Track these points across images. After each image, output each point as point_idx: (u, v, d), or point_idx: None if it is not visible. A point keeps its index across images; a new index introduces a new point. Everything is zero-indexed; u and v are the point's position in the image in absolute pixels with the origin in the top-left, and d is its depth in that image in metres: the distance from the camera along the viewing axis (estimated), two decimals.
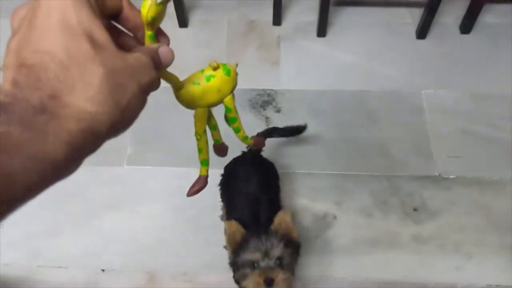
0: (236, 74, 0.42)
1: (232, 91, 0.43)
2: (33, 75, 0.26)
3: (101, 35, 0.29)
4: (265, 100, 1.67)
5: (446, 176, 1.50)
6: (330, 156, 1.55)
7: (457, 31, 1.83)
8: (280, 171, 1.47)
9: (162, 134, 1.60)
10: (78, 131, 0.27)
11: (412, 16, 1.86)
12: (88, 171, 1.29)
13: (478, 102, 1.64)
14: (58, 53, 0.27)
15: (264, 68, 1.75)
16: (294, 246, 1.05)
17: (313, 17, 1.84)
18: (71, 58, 0.27)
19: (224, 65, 0.41)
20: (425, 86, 1.69)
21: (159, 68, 0.34)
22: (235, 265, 1.04)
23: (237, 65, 0.43)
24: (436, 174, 1.50)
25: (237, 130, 0.48)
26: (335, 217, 1.44)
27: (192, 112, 0.44)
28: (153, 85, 0.33)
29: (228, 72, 0.41)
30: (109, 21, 0.35)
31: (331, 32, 1.82)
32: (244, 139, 0.50)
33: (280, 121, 1.62)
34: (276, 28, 1.85)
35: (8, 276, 1.34)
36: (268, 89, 1.69)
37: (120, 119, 0.29)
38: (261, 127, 1.60)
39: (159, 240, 1.38)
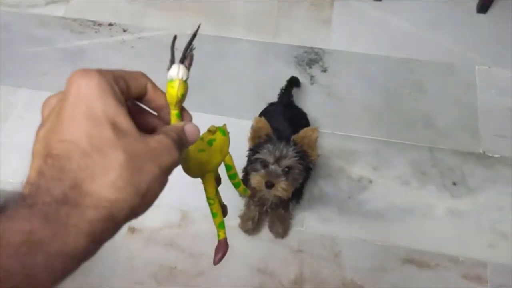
0: (228, 132, 0.44)
1: (228, 149, 0.44)
2: (57, 165, 0.27)
3: (124, 121, 0.29)
4: (312, 58, 1.64)
5: (490, 155, 1.46)
6: (372, 121, 1.52)
7: None
8: (320, 130, 1.46)
9: (205, 81, 1.60)
10: (98, 220, 0.27)
11: None
12: None
13: None
14: (81, 141, 0.27)
15: (314, 26, 1.72)
16: (307, 164, 1.07)
17: None
18: (93, 145, 0.27)
19: (219, 127, 0.43)
20: (480, 62, 1.62)
21: (184, 146, 0.34)
22: (249, 159, 1.08)
23: (225, 125, 0.44)
24: (480, 151, 1.46)
25: (237, 185, 0.50)
26: (370, 182, 1.43)
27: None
28: (175, 165, 0.32)
29: (223, 132, 0.43)
30: (134, 102, 0.35)
31: None
32: (244, 191, 0.53)
33: (325, 81, 1.59)
34: None
35: None
36: (316, 48, 1.66)
37: (140, 203, 0.29)
38: (305, 85, 1.59)
39: (196, 181, 1.38)
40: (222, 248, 0.47)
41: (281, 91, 1.44)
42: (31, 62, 1.68)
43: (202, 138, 0.42)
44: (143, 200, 0.29)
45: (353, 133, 1.50)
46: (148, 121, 0.37)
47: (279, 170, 1.02)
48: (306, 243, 1.32)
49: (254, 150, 1.07)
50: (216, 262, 0.47)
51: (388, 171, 1.44)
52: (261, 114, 1.33)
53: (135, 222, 1.34)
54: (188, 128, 0.35)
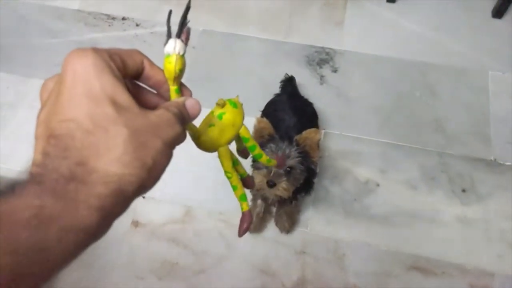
0: (241, 104, 0.43)
1: (243, 122, 0.43)
2: (61, 144, 0.27)
3: (124, 97, 0.29)
4: (322, 58, 1.62)
5: (501, 162, 1.42)
6: (381, 124, 1.50)
7: None
8: (327, 131, 1.45)
9: (214, 77, 1.60)
10: (107, 195, 0.27)
11: None
12: None
13: None
14: (83, 120, 0.28)
15: (326, 27, 1.70)
16: (308, 165, 1.08)
17: None
18: (95, 123, 0.28)
19: (229, 100, 0.42)
20: (493, 67, 1.59)
21: (187, 121, 0.34)
22: (252, 158, 1.07)
23: (238, 96, 0.43)
24: (492, 158, 1.43)
25: (259, 156, 0.49)
26: (377, 185, 1.41)
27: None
28: (178, 139, 0.33)
29: (235, 105, 0.42)
30: (131, 80, 0.35)
31: None
32: (268, 162, 0.51)
33: (335, 81, 1.58)
34: None
35: None
36: (327, 48, 1.65)
37: (147, 177, 0.29)
38: (315, 85, 1.58)
39: (201, 177, 1.39)
40: (246, 219, 0.46)
41: (282, 83, 1.44)
42: (44, 53, 1.69)
43: (212, 112, 0.41)
44: (150, 173, 0.29)
45: (361, 134, 1.48)
46: (149, 100, 0.37)
47: (281, 170, 1.03)
48: (310, 244, 1.31)
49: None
50: (242, 233, 0.47)
51: (396, 174, 1.42)
52: (266, 105, 1.33)
53: (139, 216, 1.34)
54: (189, 102, 0.35)
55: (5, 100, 1.59)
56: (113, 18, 1.79)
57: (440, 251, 1.30)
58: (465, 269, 1.27)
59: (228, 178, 0.45)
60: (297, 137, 1.06)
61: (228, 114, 0.41)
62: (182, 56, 0.35)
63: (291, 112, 1.24)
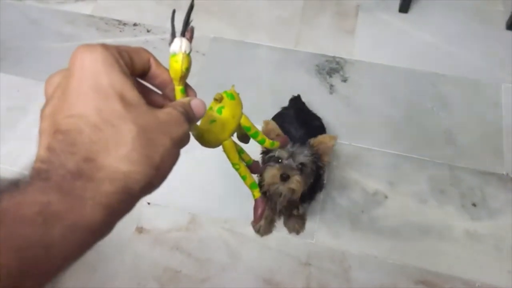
0: (238, 94, 0.43)
1: (242, 111, 0.44)
2: (68, 140, 0.26)
3: (132, 94, 0.29)
4: (332, 68, 1.61)
5: None
6: (391, 135, 1.48)
7: None
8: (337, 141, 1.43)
9: (223, 84, 1.60)
10: (114, 193, 0.27)
11: (504, 4, 1.72)
12: None
13: None
14: (91, 115, 0.27)
15: (337, 36, 1.69)
16: (318, 165, 1.08)
17: None
18: (104, 119, 0.27)
19: (225, 92, 0.42)
20: (506, 80, 1.57)
21: (192, 121, 0.34)
22: (263, 161, 1.10)
23: (234, 86, 0.43)
24: (504, 172, 1.40)
25: (262, 142, 0.49)
26: (386, 197, 1.38)
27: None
28: (185, 138, 0.32)
29: (232, 97, 0.42)
30: (137, 80, 0.35)
31: (414, 9, 1.72)
32: (272, 145, 0.51)
33: (345, 91, 1.56)
34: None
35: None
36: (338, 57, 1.63)
37: (155, 175, 0.29)
38: (324, 94, 1.56)
39: (207, 184, 1.38)
40: (260, 205, 0.47)
41: (292, 97, 1.44)
42: (56, 57, 1.70)
43: (210, 108, 0.41)
44: (158, 172, 0.29)
45: (370, 145, 1.46)
46: (153, 100, 0.37)
47: (293, 164, 1.02)
48: (315, 256, 1.29)
49: (267, 151, 1.08)
50: (257, 220, 0.49)
51: (405, 187, 1.39)
52: (274, 118, 1.32)
53: (143, 222, 1.33)
54: (194, 103, 0.34)
55: (15, 103, 1.60)
56: (125, 24, 1.81)
57: (449, 266, 1.27)
58: (474, 285, 1.24)
59: (236, 170, 0.46)
60: (311, 140, 1.07)
61: (227, 107, 0.41)
62: (188, 54, 0.35)
63: (298, 125, 1.24)
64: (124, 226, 1.35)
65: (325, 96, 1.56)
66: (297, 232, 1.31)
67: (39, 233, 0.23)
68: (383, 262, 1.28)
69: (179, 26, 0.36)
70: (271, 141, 0.50)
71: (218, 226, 1.33)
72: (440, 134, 1.47)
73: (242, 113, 0.43)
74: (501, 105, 1.51)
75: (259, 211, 0.47)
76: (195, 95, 0.38)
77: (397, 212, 1.36)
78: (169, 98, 0.37)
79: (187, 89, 0.37)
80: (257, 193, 0.47)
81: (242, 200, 1.35)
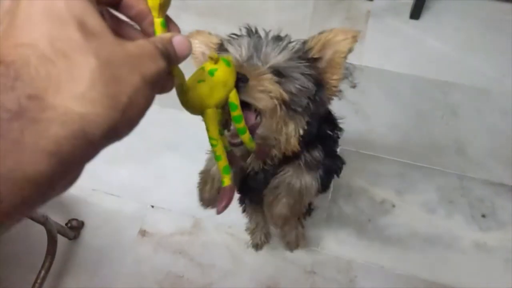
0: (234, 65, 0.39)
1: (234, 85, 0.39)
2: (11, 73, 0.22)
3: (95, 21, 0.24)
4: None
5: None
6: (400, 143, 1.46)
7: None
8: (343, 147, 1.41)
9: None
10: (65, 138, 0.22)
11: None
12: (156, 110, 1.29)
13: None
14: (42, 45, 0.23)
15: None
16: (320, 95, 0.62)
17: None
18: (57, 49, 0.23)
19: (222, 57, 0.38)
20: None
21: (173, 60, 0.29)
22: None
23: (231, 57, 0.40)
24: None
25: (242, 131, 0.44)
26: (393, 206, 1.36)
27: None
28: (161, 79, 0.27)
29: (228, 63, 0.38)
30: (110, 12, 0.30)
31: (426, 16, 1.70)
32: (250, 141, 0.46)
33: (353, 97, 1.54)
34: (367, 3, 1.75)
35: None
36: (346, 63, 1.61)
37: (120, 119, 0.24)
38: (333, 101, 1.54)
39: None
40: (226, 195, 0.42)
41: None
42: None
43: (203, 68, 0.38)
44: (124, 115, 0.24)
45: (379, 153, 1.44)
46: (129, 36, 0.31)
47: (259, 63, 0.58)
48: (320, 264, 1.26)
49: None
50: (220, 211, 0.42)
51: (413, 196, 1.37)
52: None
53: (147, 225, 1.32)
54: (177, 39, 0.29)
55: None
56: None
57: (457, 278, 1.24)
58: None
59: (213, 146, 0.41)
60: (310, 37, 0.65)
61: (221, 71, 0.38)
62: None
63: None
64: (127, 228, 1.34)
65: (333, 102, 1.53)
66: (291, 249, 1.26)
67: None
68: (389, 272, 1.26)
69: None
70: (250, 136, 0.45)
71: (222, 231, 1.31)
72: (450, 143, 1.44)
73: (233, 86, 0.40)
74: None
75: (224, 202, 0.41)
76: (179, 32, 0.32)
77: (405, 221, 1.33)
78: (148, 34, 0.32)
79: (169, 24, 0.33)
80: (228, 180, 0.42)
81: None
